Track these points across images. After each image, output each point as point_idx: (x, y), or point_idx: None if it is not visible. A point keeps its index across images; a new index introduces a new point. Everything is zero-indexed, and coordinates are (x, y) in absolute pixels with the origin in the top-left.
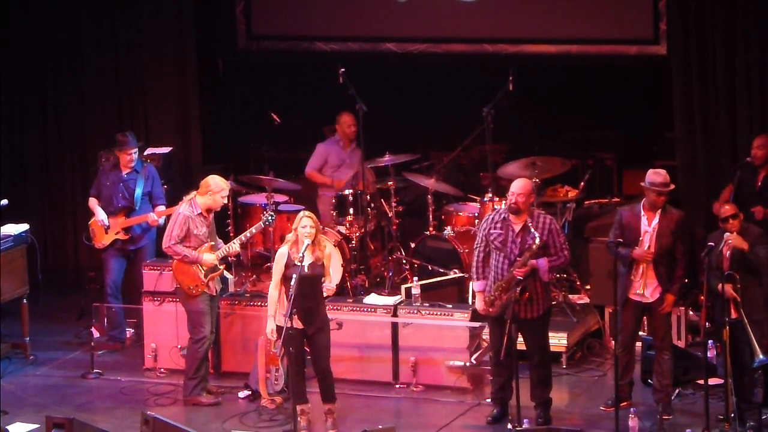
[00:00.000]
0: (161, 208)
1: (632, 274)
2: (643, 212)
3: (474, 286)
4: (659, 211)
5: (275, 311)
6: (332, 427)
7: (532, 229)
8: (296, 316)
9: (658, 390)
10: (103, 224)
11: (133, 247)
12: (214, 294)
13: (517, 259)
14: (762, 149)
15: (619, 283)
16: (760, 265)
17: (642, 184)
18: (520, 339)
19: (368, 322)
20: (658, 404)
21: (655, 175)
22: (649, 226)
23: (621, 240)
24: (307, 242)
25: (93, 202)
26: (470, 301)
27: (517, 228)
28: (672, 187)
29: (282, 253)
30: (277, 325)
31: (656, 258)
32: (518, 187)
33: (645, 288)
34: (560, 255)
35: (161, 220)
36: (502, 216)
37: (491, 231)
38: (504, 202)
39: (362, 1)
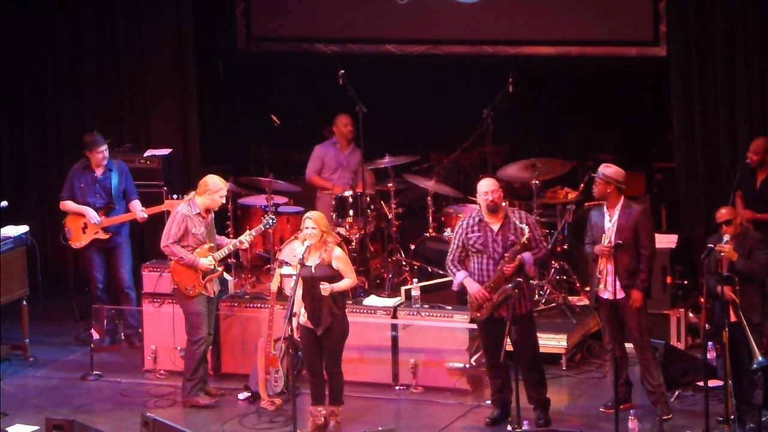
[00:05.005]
0: (137, 202)
1: (598, 271)
2: (606, 210)
3: (458, 277)
4: (619, 207)
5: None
6: (335, 430)
7: (519, 224)
8: (306, 316)
9: (651, 392)
10: (96, 221)
11: (111, 244)
12: (212, 296)
13: (505, 256)
14: (757, 154)
15: (593, 282)
16: (753, 272)
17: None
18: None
19: (368, 323)
20: (656, 406)
21: (603, 167)
22: (609, 222)
23: (592, 241)
24: (307, 243)
25: (71, 204)
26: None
27: (496, 227)
28: (617, 180)
29: (291, 249)
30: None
31: (616, 253)
32: (488, 185)
33: (607, 285)
34: (541, 247)
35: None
36: (476, 219)
37: (469, 236)
38: (477, 206)
39: (362, 2)
